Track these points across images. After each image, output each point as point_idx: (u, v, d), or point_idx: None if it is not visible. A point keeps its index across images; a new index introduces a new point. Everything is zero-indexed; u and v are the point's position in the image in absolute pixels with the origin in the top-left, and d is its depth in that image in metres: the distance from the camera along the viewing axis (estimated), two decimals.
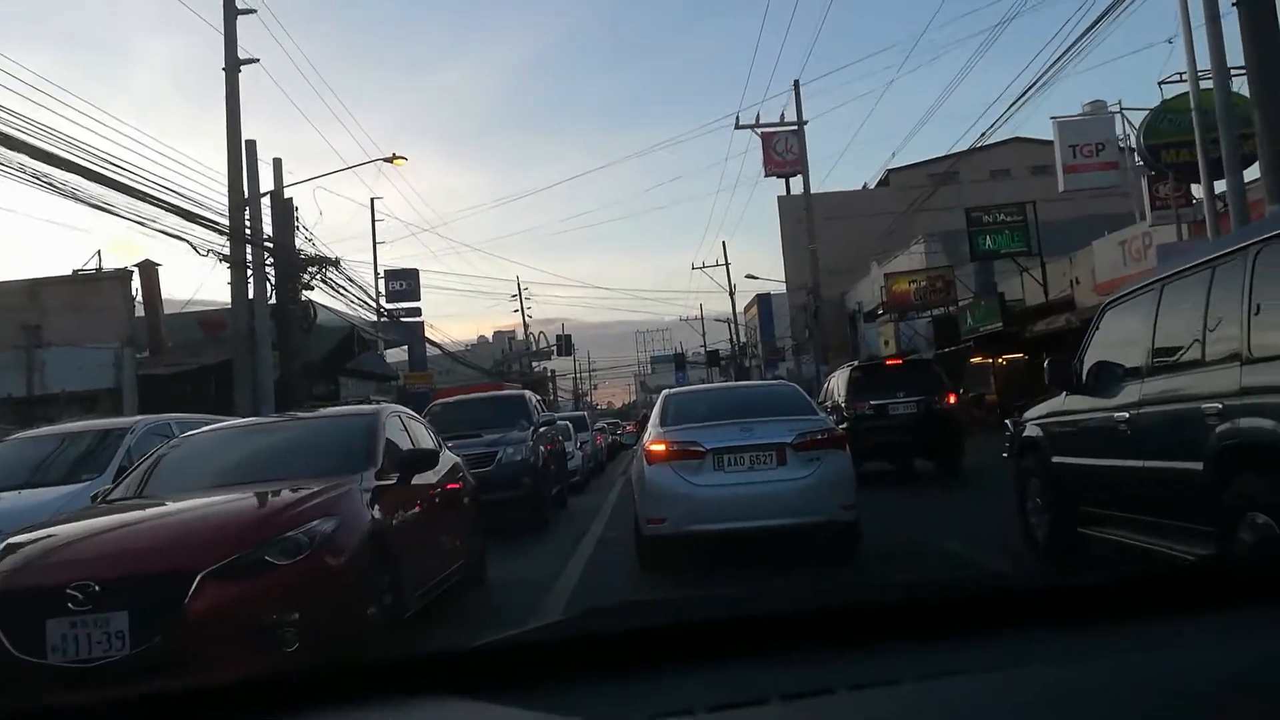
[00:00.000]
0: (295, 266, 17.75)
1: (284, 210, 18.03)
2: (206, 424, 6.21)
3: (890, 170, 44.96)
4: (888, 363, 15.33)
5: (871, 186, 47.68)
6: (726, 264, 52.19)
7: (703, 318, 65.35)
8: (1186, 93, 12.41)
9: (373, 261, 36.39)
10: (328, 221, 58.43)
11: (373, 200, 36.31)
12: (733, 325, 53.51)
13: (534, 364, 58.62)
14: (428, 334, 37.13)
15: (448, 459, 6.32)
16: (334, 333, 28.34)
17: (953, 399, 13.81)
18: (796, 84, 31.69)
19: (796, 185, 44.69)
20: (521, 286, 56.46)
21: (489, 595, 6.60)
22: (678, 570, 6.87)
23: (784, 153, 45.57)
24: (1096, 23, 11.69)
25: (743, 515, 6.67)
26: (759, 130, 32.46)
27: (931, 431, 13.03)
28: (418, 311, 37.99)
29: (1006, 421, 7.89)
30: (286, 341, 17.97)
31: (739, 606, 1.37)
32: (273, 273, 17.81)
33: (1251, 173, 10.20)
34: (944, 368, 26.11)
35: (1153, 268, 8.64)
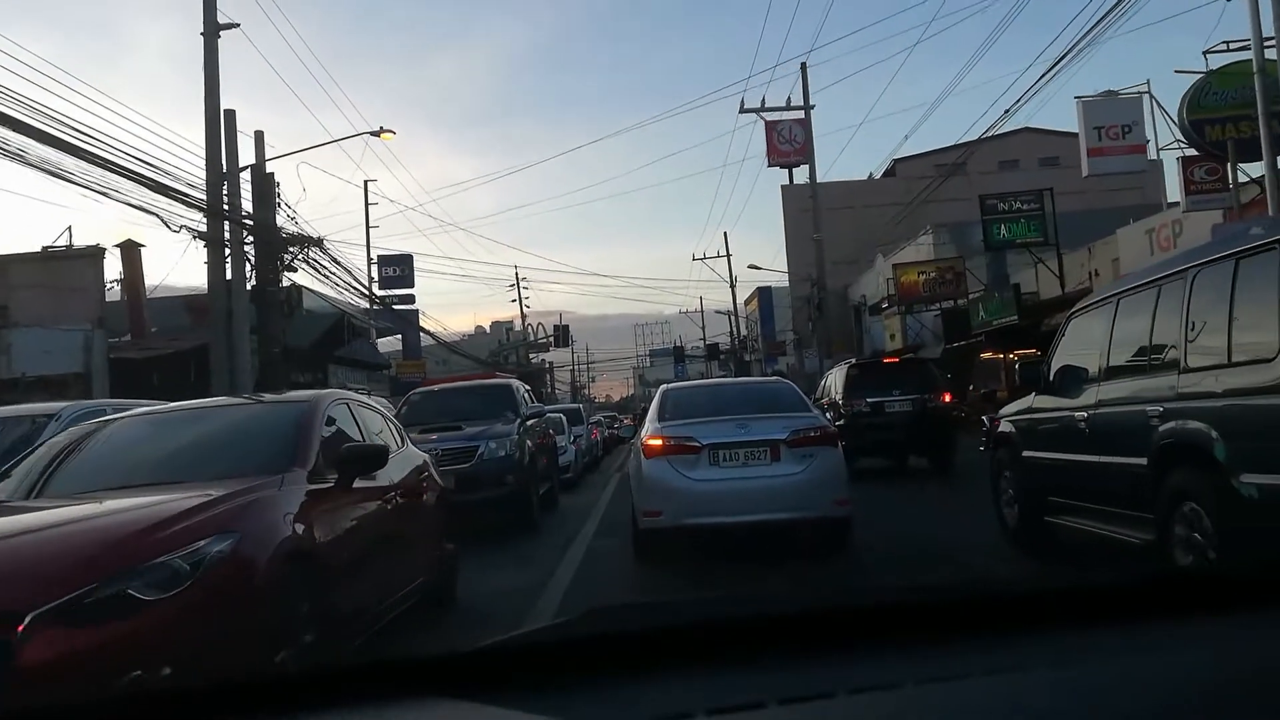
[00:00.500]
0: (276, 246, 16.80)
1: (265, 185, 17.09)
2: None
3: (896, 160, 44.35)
4: (885, 360, 15.82)
5: (877, 177, 46.80)
6: (728, 255, 51.38)
7: (702, 310, 64.51)
8: (1235, 63, 11.53)
9: (366, 246, 35.51)
10: (324, 207, 57.51)
11: (366, 183, 35.45)
12: (733, 318, 52.57)
13: (531, 355, 57.75)
14: (424, 324, 36.22)
15: (409, 457, 5.42)
16: (323, 319, 27.48)
17: (948, 397, 14.05)
18: (804, 67, 30.64)
19: (800, 176, 44.10)
20: (520, 277, 55.57)
21: (455, 614, 5.72)
22: (674, 563, 6.78)
23: (787, 143, 44.80)
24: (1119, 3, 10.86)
25: (737, 510, 6.81)
26: (764, 114, 31.45)
27: (926, 429, 13.32)
28: (411, 298, 37.14)
29: (984, 418, 8.40)
30: (266, 325, 17.04)
31: (738, 609, 1.37)
32: (252, 252, 16.90)
33: None
34: (953, 363, 25.51)
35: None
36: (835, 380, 14.90)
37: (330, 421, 4.39)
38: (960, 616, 1.26)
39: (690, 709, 0.99)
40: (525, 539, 8.97)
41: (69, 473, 3.97)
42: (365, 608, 4.02)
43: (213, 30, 15.82)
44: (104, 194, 11.67)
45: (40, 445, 4.37)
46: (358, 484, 4.14)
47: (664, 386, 8.73)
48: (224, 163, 16.02)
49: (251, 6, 44.50)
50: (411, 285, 36.92)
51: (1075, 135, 48.34)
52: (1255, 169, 13.25)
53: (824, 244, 30.20)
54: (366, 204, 36.19)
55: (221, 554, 2.94)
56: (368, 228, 35.85)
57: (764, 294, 54.08)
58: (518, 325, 59.92)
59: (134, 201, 12.25)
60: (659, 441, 7.07)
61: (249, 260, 16.91)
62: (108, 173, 11.16)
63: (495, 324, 78.47)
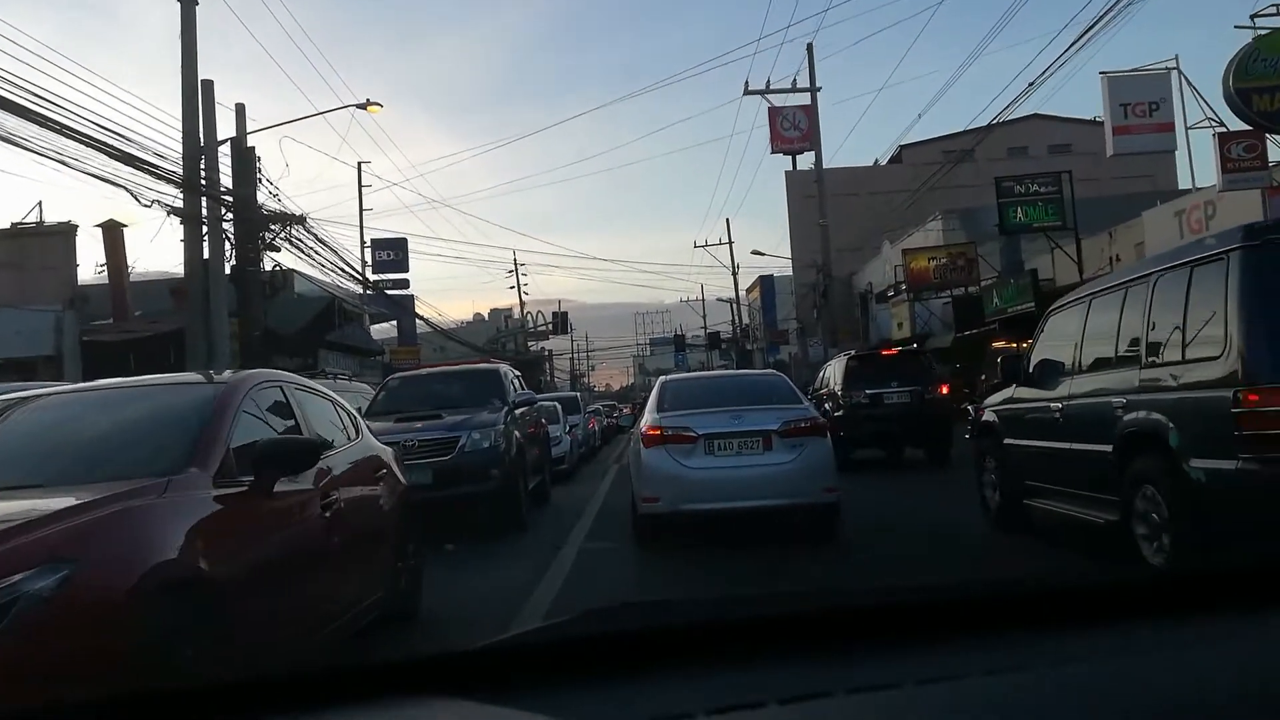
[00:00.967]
0: (256, 224, 15.95)
1: (245, 160, 16.22)
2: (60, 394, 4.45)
3: (903, 146, 43.31)
4: (883, 353, 15.90)
5: (884, 163, 45.85)
6: (730, 241, 50.55)
7: (703, 299, 63.66)
8: None
9: (359, 230, 34.64)
10: (312, 186, 56.43)
11: (359, 165, 34.45)
12: (735, 306, 51.68)
13: (530, 343, 56.87)
14: (422, 311, 35.37)
15: (362, 451, 4.57)
16: (314, 302, 26.69)
17: (945, 389, 14.23)
18: (809, 47, 29.72)
19: (803, 162, 43.15)
20: (518, 262, 54.67)
21: (416, 632, 4.87)
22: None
23: (791, 129, 43.89)
24: None
25: (731, 496, 7.13)
26: (768, 96, 30.48)
27: (923, 421, 13.51)
28: (406, 283, 36.24)
29: (969, 407, 9.19)
30: (246, 307, 16.21)
31: (737, 609, 1.36)
32: (232, 230, 16.06)
33: None
34: (964, 352, 24.67)
35: None
36: (834, 371, 15.08)
37: (255, 410, 3.54)
38: (960, 616, 1.27)
39: (690, 709, 0.98)
40: (510, 540, 8.13)
41: None
42: (290, 641, 3.19)
43: None
44: (62, 162, 10.82)
45: None
46: (282, 487, 3.30)
47: (662, 378, 9.07)
48: (201, 136, 15.19)
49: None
50: (406, 270, 36.01)
51: (1086, 121, 47.33)
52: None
53: (829, 230, 29.35)
54: (360, 186, 35.33)
55: (39, 595, 2.11)
56: (361, 211, 34.98)
57: (766, 282, 53.22)
58: (516, 312, 59.04)
59: (94, 171, 11.39)
60: (657, 431, 7.40)
61: (228, 239, 16.09)
62: (63, 138, 10.30)
63: (494, 311, 77.54)
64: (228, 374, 3.62)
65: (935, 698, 1.04)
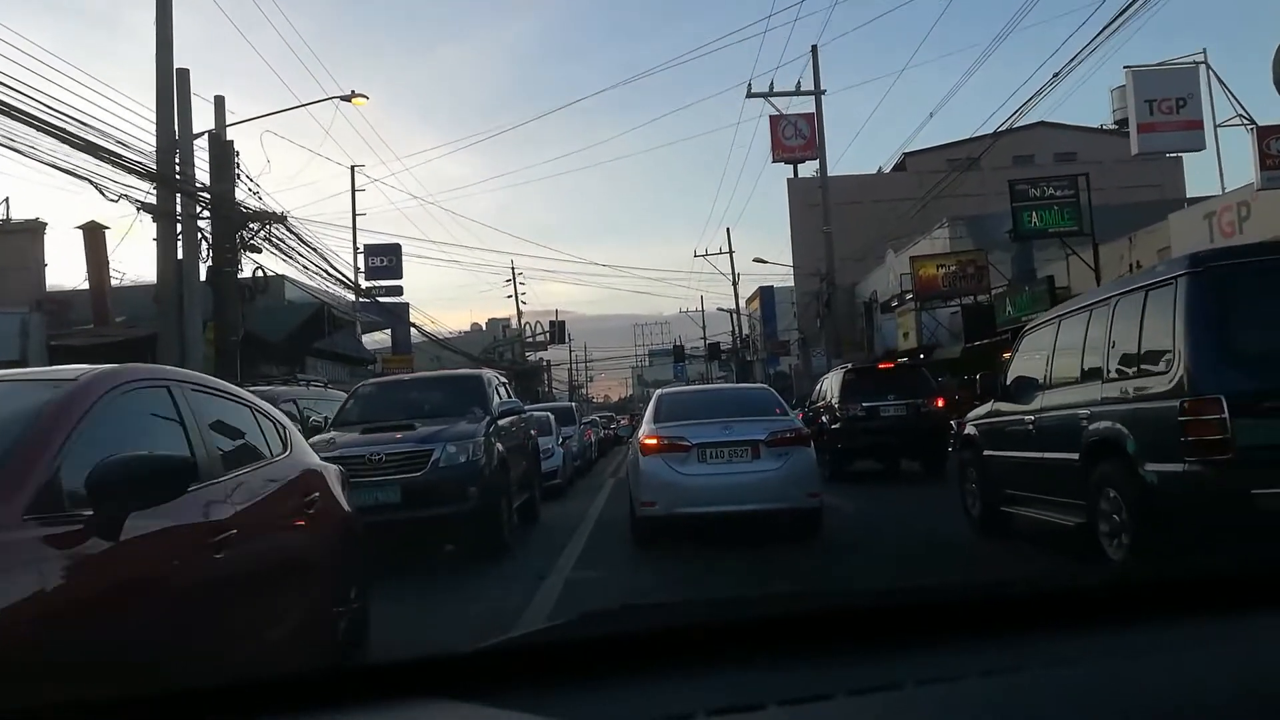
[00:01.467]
0: (234, 222, 15.09)
1: (223, 154, 15.38)
2: None
3: (907, 154, 42.62)
4: (880, 366, 16.35)
5: (887, 171, 45.11)
6: (730, 251, 49.90)
7: (703, 309, 62.88)
8: None
9: (351, 236, 33.84)
10: (305, 189, 55.64)
11: (353, 168, 33.69)
12: (735, 316, 50.84)
13: (528, 354, 56.01)
14: (419, 321, 34.50)
15: (285, 468, 3.62)
16: (302, 309, 25.86)
17: (941, 402, 14.39)
18: (814, 49, 28.99)
19: (805, 170, 42.40)
20: (516, 271, 53.83)
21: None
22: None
23: (793, 137, 43.22)
24: None
25: (722, 500, 7.64)
26: (772, 99, 29.69)
27: (919, 433, 13.66)
28: (399, 290, 35.41)
29: (952, 422, 9.69)
30: (223, 312, 15.33)
31: (737, 610, 1.36)
32: (209, 229, 15.20)
33: None
34: (973, 363, 23.81)
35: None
36: (831, 384, 15.27)
37: (119, 419, 2.63)
38: (959, 617, 1.26)
39: (690, 710, 0.98)
40: (489, 566, 7.24)
41: None
42: None
43: None
44: (12, 149, 9.98)
45: None
46: (143, 522, 2.39)
47: (659, 392, 9.75)
48: (177, 128, 14.36)
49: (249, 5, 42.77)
50: (400, 276, 35.22)
51: (1092, 130, 46.70)
52: None
53: (833, 238, 28.53)
54: (353, 190, 34.56)
55: None
56: (354, 215, 34.20)
57: (766, 293, 52.45)
58: (514, 322, 58.20)
59: (50, 160, 10.55)
60: (654, 441, 7.93)
61: (205, 238, 15.24)
62: (11, 119, 9.47)
63: (492, 321, 76.67)
64: (82, 370, 2.73)
65: (934, 698, 1.03)
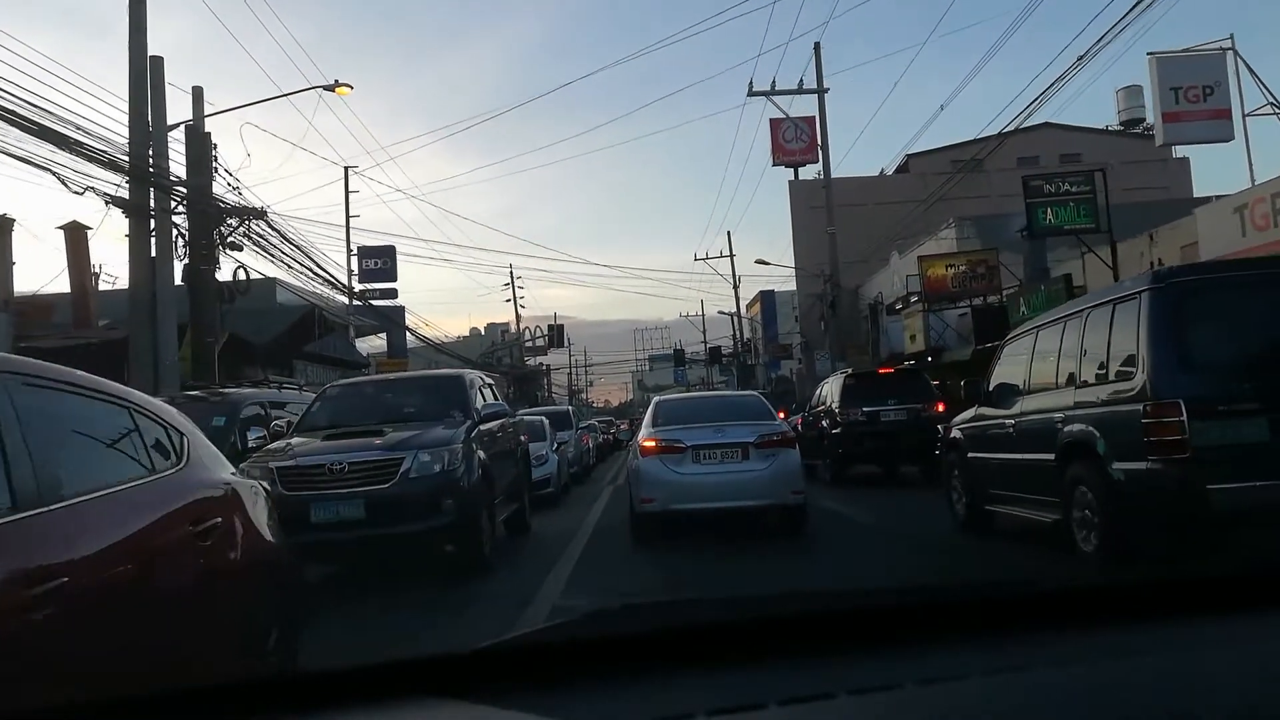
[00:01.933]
0: (211, 217, 14.34)
1: (200, 147, 14.64)
2: None
3: (910, 155, 41.91)
4: (880, 371, 16.45)
5: (890, 173, 44.39)
6: (731, 255, 49.17)
7: (703, 314, 62.21)
8: None
9: (345, 238, 33.09)
10: (294, 190, 54.90)
11: (346, 169, 32.91)
12: (736, 320, 50.09)
13: (527, 359, 55.22)
14: (417, 327, 33.72)
15: (170, 490, 2.81)
16: (291, 311, 25.14)
17: (941, 408, 14.23)
18: (817, 46, 28.28)
19: (806, 172, 41.67)
20: (515, 275, 53.07)
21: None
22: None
23: (793, 141, 42.50)
24: None
25: (714, 497, 8.25)
26: (774, 98, 28.90)
27: (919, 438, 13.45)
28: (394, 293, 34.67)
29: (939, 426, 10.22)
30: (200, 312, 14.58)
31: (737, 610, 1.35)
32: (185, 225, 14.45)
33: None
34: (983, 367, 23.10)
35: None
36: (831, 389, 15.30)
37: None
38: (960, 616, 1.26)
39: (690, 710, 0.98)
40: (465, 590, 6.42)
41: None
42: None
43: None
44: None
45: None
46: None
47: (656, 399, 10.45)
48: (150, 118, 13.63)
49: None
50: (394, 279, 34.44)
51: (1097, 131, 46.11)
52: None
53: (836, 239, 27.78)
54: (347, 192, 33.82)
55: None
56: (348, 218, 33.45)
57: (767, 297, 51.73)
58: (513, 327, 57.42)
59: (13, 151, 9.81)
60: (652, 443, 8.58)
61: (182, 234, 14.48)
62: None
63: (491, 326, 75.84)
64: None
65: (935, 698, 1.03)
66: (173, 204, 14.01)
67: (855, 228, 34.31)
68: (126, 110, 13.21)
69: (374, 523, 6.18)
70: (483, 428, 7.59)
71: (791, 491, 8.42)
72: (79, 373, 2.59)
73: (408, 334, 34.28)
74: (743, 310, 51.28)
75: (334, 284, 22.37)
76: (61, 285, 21.18)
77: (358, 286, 31.92)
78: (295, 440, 6.88)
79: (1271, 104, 12.82)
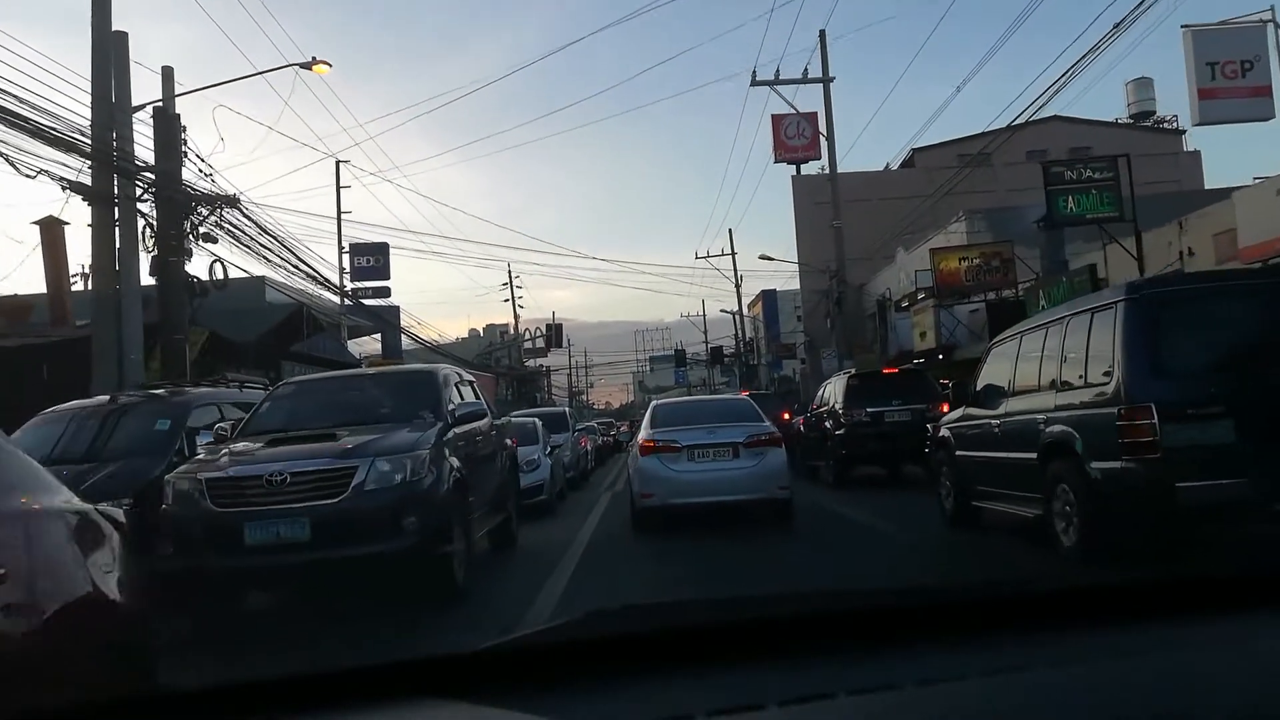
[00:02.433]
0: (179, 204, 13.39)
1: (170, 130, 13.69)
2: None
3: (915, 150, 41.01)
4: (884, 371, 16.20)
5: (895, 167, 43.48)
6: (733, 253, 48.33)
7: (704, 313, 61.30)
8: None
9: (337, 234, 32.21)
10: (286, 183, 54.04)
11: (338, 163, 32.01)
12: (738, 319, 49.17)
13: (526, 360, 54.30)
14: (415, 330, 32.80)
15: None
16: (277, 310, 24.23)
17: (945, 408, 14.41)
18: (822, 34, 27.39)
19: (809, 167, 40.73)
20: (513, 275, 52.13)
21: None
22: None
23: (795, 137, 41.55)
24: None
25: (708, 492, 9.17)
26: (777, 88, 27.96)
27: (923, 439, 13.50)
28: (387, 291, 33.75)
29: (928, 425, 10.60)
30: (169, 308, 13.62)
31: (737, 610, 1.35)
32: (153, 214, 13.50)
33: None
34: None
35: None
36: (835, 390, 15.20)
37: None
38: (960, 617, 1.26)
39: (690, 710, 0.98)
40: (428, 622, 5.44)
41: None
42: None
43: None
44: None
45: None
46: None
47: (654, 402, 11.36)
48: (114, 96, 12.69)
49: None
50: (387, 277, 33.55)
51: (1106, 123, 45.17)
52: None
53: (842, 234, 26.85)
54: (338, 188, 32.95)
55: None
56: (339, 214, 32.58)
57: (768, 296, 50.87)
58: (512, 327, 56.49)
59: None
60: (651, 443, 9.39)
61: (150, 224, 13.52)
62: None
63: (489, 327, 74.88)
64: None
65: (934, 698, 1.03)
66: (139, 191, 13.08)
67: (860, 224, 33.37)
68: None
69: (320, 545, 5.19)
70: (458, 430, 6.58)
71: (778, 487, 9.22)
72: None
73: (403, 335, 33.36)
74: (745, 309, 50.38)
75: (321, 281, 21.46)
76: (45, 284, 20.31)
77: (349, 285, 31.05)
78: (235, 446, 5.87)
79: None
